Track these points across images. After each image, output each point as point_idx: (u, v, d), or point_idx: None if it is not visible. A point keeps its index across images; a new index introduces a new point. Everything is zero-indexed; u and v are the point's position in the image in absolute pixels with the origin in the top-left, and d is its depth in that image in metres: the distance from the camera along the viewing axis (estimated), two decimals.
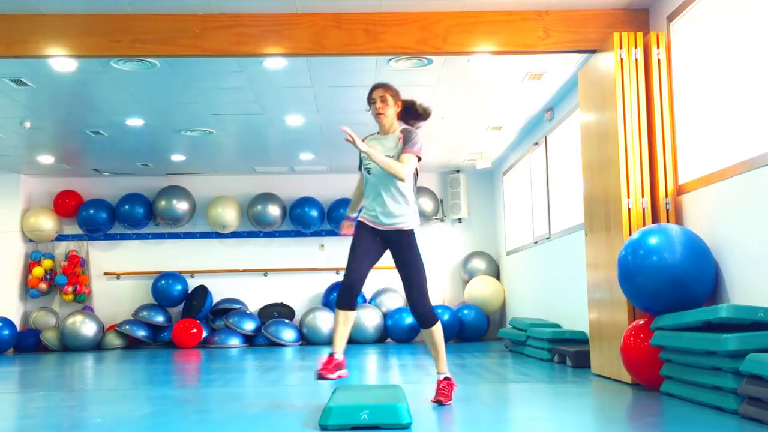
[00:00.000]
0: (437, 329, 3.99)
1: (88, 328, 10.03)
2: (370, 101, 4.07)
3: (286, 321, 10.38)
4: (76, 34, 5.31)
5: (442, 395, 3.92)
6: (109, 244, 11.06)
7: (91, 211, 10.73)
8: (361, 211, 4.19)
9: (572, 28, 5.32)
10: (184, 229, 11.13)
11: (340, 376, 3.93)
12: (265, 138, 8.90)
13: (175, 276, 10.66)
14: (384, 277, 10.33)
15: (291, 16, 5.31)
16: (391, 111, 4.05)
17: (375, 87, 4.09)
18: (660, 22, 5.06)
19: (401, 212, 4.01)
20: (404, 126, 4.13)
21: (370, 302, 10.59)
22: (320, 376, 3.82)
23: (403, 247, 4.01)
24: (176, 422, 3.62)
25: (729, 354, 3.44)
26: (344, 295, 3.96)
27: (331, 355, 3.93)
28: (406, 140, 4.02)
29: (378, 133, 4.16)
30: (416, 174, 4.12)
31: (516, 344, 7.88)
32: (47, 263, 10.68)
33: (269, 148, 9.45)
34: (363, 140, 4.04)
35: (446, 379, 3.99)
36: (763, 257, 3.79)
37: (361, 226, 4.08)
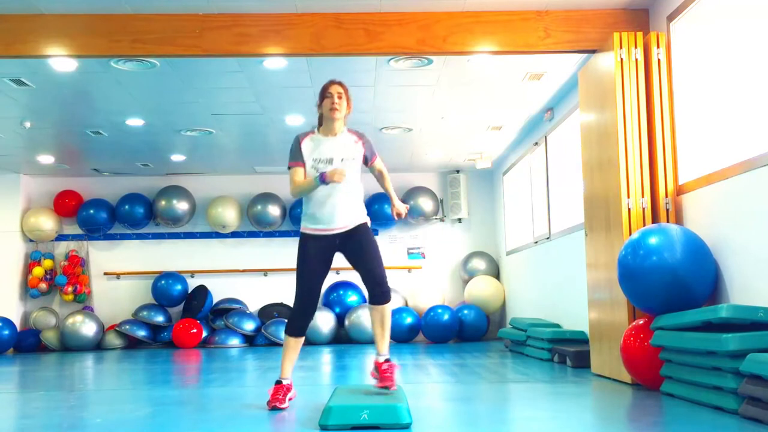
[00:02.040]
0: (391, 307, 3.99)
1: (88, 328, 10.03)
2: (326, 95, 3.98)
3: (286, 321, 10.36)
4: (76, 34, 5.31)
5: (387, 380, 3.79)
6: (109, 244, 11.06)
7: (91, 211, 10.74)
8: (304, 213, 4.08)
9: (572, 28, 5.32)
10: (184, 229, 11.13)
11: (290, 399, 3.96)
12: (265, 138, 8.90)
13: (175, 276, 10.67)
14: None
15: (291, 16, 5.31)
16: (344, 112, 4.00)
17: (333, 82, 4.02)
18: (660, 22, 5.06)
19: (360, 208, 4.02)
20: (352, 129, 4.11)
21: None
22: (274, 408, 3.82)
23: (362, 236, 3.95)
24: (176, 422, 3.62)
25: (729, 354, 3.44)
26: (299, 321, 3.95)
27: (279, 382, 3.93)
28: (370, 147, 4.11)
29: (318, 131, 4.06)
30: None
31: (516, 344, 7.88)
32: (47, 263, 10.69)
33: (269, 148, 9.45)
34: (303, 138, 4.05)
35: (387, 360, 3.89)
36: (763, 257, 3.79)
37: (306, 241, 3.97)
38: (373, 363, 3.93)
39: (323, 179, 3.83)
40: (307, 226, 3.99)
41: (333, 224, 3.93)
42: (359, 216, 4.01)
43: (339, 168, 3.88)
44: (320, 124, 4.08)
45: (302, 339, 4.01)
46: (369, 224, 4.06)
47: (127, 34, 5.30)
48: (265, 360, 7.56)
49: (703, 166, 4.46)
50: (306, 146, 4.02)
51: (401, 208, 4.21)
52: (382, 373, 3.84)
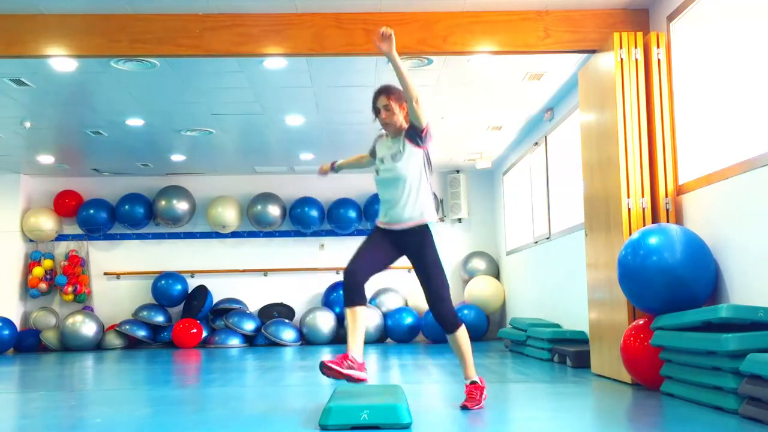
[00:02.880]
0: (461, 334, 3.80)
1: (88, 328, 10.03)
2: (376, 110, 3.90)
3: (286, 321, 10.38)
4: (76, 34, 5.31)
5: (469, 400, 3.78)
6: (109, 244, 11.06)
7: (91, 211, 10.74)
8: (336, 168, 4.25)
9: (572, 28, 5.32)
10: (184, 229, 11.13)
11: (350, 376, 3.53)
12: (265, 138, 8.90)
13: (175, 276, 10.67)
14: (384, 277, 10.35)
15: (291, 16, 5.31)
16: (397, 116, 3.85)
17: (377, 94, 3.88)
18: (660, 22, 5.06)
19: (415, 208, 3.78)
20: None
21: (370, 302, 10.59)
22: (325, 367, 3.49)
23: (419, 246, 3.79)
24: (176, 422, 3.62)
25: (729, 354, 3.44)
26: (345, 289, 3.76)
27: (345, 353, 3.64)
28: (412, 126, 3.86)
29: (386, 135, 3.98)
30: (429, 164, 3.89)
31: (516, 344, 7.88)
32: (47, 263, 10.69)
33: (269, 148, 9.45)
34: (377, 139, 4.01)
35: (473, 383, 3.81)
36: (763, 257, 3.79)
37: (375, 230, 3.94)
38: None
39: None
40: (378, 220, 3.94)
41: (391, 222, 3.84)
42: (416, 215, 3.79)
43: (327, 166, 4.15)
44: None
45: (359, 309, 3.71)
46: (431, 226, 3.82)
47: (127, 34, 5.29)
48: (265, 360, 7.56)
49: (703, 166, 4.46)
50: (378, 142, 4.02)
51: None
52: (468, 395, 3.80)
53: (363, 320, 3.75)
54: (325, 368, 3.50)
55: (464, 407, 3.77)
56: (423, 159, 3.84)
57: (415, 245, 3.81)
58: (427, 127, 3.80)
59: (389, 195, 3.85)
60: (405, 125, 3.87)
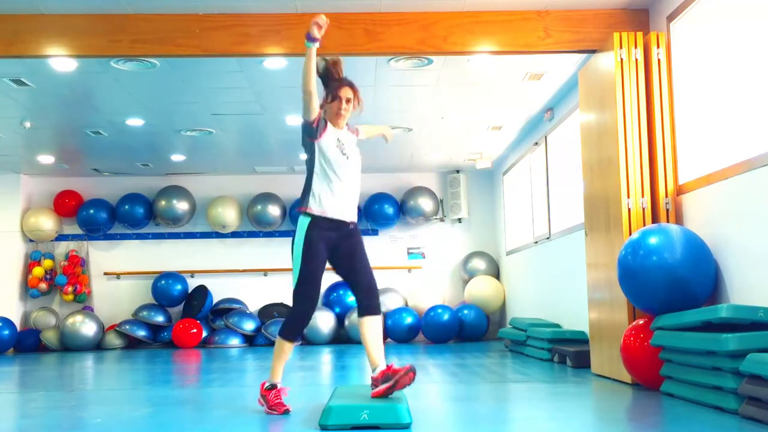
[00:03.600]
0: (381, 317, 3.80)
1: (88, 328, 10.03)
2: (336, 96, 3.79)
3: (285, 323, 10.34)
4: (76, 34, 5.31)
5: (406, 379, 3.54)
6: (109, 244, 11.06)
7: (91, 211, 10.73)
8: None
9: (572, 28, 5.32)
10: (184, 229, 11.13)
11: (286, 410, 3.71)
12: (265, 138, 8.90)
13: (175, 276, 10.67)
14: (384, 277, 10.35)
15: (291, 16, 5.31)
16: (349, 117, 3.88)
17: (344, 84, 3.82)
18: (660, 22, 5.06)
19: (357, 204, 3.88)
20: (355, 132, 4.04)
21: None
22: (286, 412, 3.68)
23: (356, 239, 3.82)
24: (176, 422, 3.62)
25: (729, 354, 3.44)
26: (300, 327, 3.75)
27: (274, 386, 3.75)
28: (353, 127, 4.01)
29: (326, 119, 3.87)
30: None
31: (516, 344, 7.88)
32: (47, 263, 10.69)
33: (269, 148, 9.45)
34: (324, 118, 3.81)
35: (388, 366, 3.60)
36: (763, 257, 3.79)
37: (317, 231, 3.69)
38: (379, 374, 3.56)
39: (310, 38, 3.68)
40: (314, 207, 3.70)
41: (343, 217, 3.74)
42: (356, 213, 3.87)
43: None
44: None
45: (297, 343, 3.82)
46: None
47: (127, 34, 5.30)
48: (265, 360, 7.56)
49: (703, 166, 4.46)
50: (327, 123, 3.84)
51: (388, 133, 4.25)
52: (396, 372, 3.52)
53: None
54: (281, 412, 3.66)
55: (390, 389, 3.51)
56: None
57: (353, 239, 3.81)
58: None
59: (350, 184, 3.79)
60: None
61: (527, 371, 5.85)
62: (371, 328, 3.72)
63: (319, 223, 3.71)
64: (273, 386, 3.77)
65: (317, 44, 3.69)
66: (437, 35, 5.33)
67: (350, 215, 3.80)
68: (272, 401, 3.73)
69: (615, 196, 4.89)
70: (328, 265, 3.82)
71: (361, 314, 3.75)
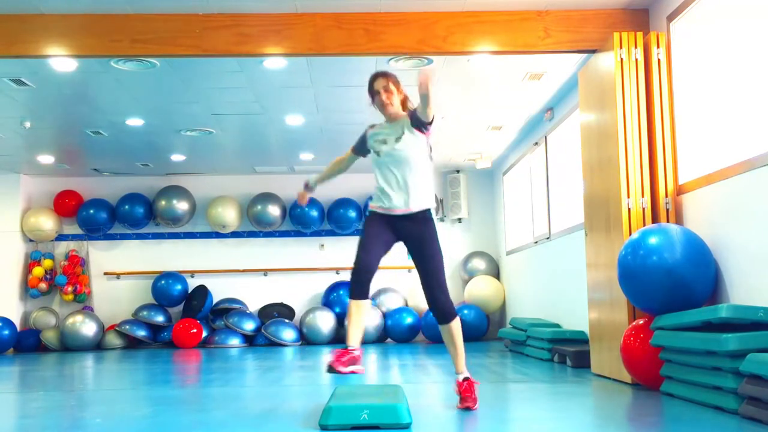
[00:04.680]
0: (455, 325, 3.76)
1: (88, 328, 10.03)
2: (373, 93, 3.86)
3: (286, 321, 10.38)
4: (76, 34, 5.31)
5: (468, 400, 3.71)
6: (109, 244, 11.06)
7: (91, 211, 10.73)
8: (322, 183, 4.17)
9: (572, 28, 5.32)
10: (184, 229, 11.13)
11: (354, 371, 3.58)
12: (265, 138, 8.90)
13: (175, 276, 10.67)
14: (384, 277, 10.35)
15: (291, 16, 5.31)
16: (396, 99, 3.85)
17: (375, 77, 3.87)
18: (660, 22, 5.06)
19: (418, 193, 3.76)
20: (408, 111, 3.94)
21: (371, 302, 10.58)
22: (331, 369, 3.52)
23: (421, 233, 3.75)
24: (176, 422, 3.62)
25: (729, 354, 3.44)
26: (354, 282, 3.72)
27: (346, 348, 3.64)
28: (415, 110, 3.81)
29: (381, 122, 3.96)
30: (431, 153, 3.89)
31: (516, 344, 7.88)
32: (47, 263, 10.69)
33: (269, 148, 9.45)
34: (371, 127, 3.95)
35: (466, 379, 3.76)
36: (763, 257, 3.79)
37: (371, 216, 3.84)
38: (454, 383, 3.81)
39: (306, 186, 4.24)
40: (372, 204, 3.88)
41: (391, 207, 3.77)
42: (419, 200, 3.77)
43: (304, 192, 4.27)
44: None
45: (364, 303, 3.74)
46: (433, 213, 3.82)
47: (127, 34, 5.29)
48: (265, 360, 7.56)
49: (703, 166, 4.46)
50: (370, 131, 3.95)
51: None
52: (462, 393, 3.73)
53: (366, 314, 3.79)
54: (329, 370, 3.55)
55: (467, 408, 3.70)
56: (427, 145, 3.83)
57: (417, 232, 3.77)
58: (434, 117, 3.76)
59: (392, 177, 3.78)
60: (401, 112, 3.87)
61: (527, 371, 5.85)
62: (444, 336, 3.84)
63: (374, 213, 3.86)
64: (345, 347, 3.68)
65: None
66: (437, 35, 5.33)
67: (400, 206, 3.77)
68: (336, 356, 3.60)
69: (615, 196, 4.89)
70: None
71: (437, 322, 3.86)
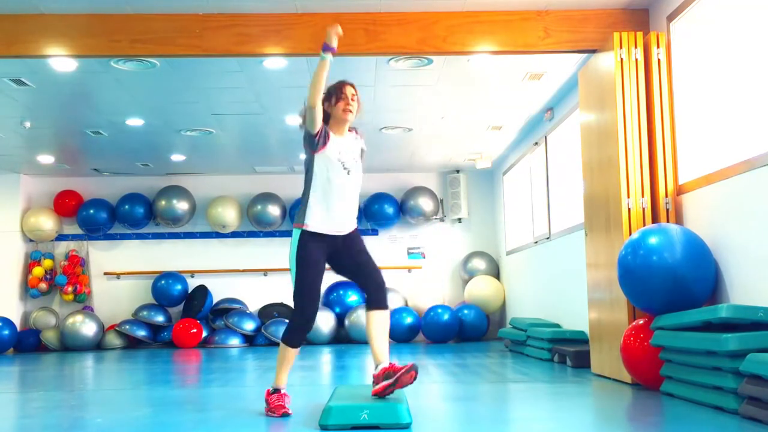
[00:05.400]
0: (389, 313, 3.79)
1: (88, 328, 10.03)
2: (340, 96, 3.74)
3: (286, 321, 10.34)
4: (76, 34, 5.31)
5: (408, 378, 3.51)
6: (109, 244, 11.06)
7: (91, 211, 10.73)
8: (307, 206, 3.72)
9: (572, 28, 5.32)
10: (184, 229, 11.13)
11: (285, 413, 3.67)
12: (265, 138, 8.90)
13: (175, 276, 10.67)
14: (384, 277, 10.33)
15: (291, 16, 5.31)
16: (356, 114, 3.82)
17: (347, 83, 3.81)
18: (660, 22, 5.06)
19: (356, 212, 3.85)
20: (356, 131, 3.94)
21: None
22: (285, 414, 3.64)
23: (354, 241, 3.79)
24: (176, 422, 3.62)
25: (729, 354, 3.44)
26: (302, 333, 3.70)
27: (278, 391, 3.74)
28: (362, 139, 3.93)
29: (334, 132, 3.78)
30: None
31: (516, 344, 7.88)
32: (47, 263, 10.69)
33: (269, 148, 9.45)
34: (329, 130, 3.75)
35: (391, 364, 3.57)
36: (763, 257, 3.79)
37: (312, 243, 3.67)
38: (381, 371, 3.54)
39: (327, 48, 3.58)
40: (311, 225, 3.67)
41: (341, 228, 3.74)
42: (355, 221, 3.86)
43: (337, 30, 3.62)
44: (326, 121, 3.80)
45: (299, 348, 3.78)
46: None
47: (127, 34, 5.29)
48: (264, 360, 7.56)
49: (703, 166, 4.46)
50: (333, 134, 3.77)
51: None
52: (397, 370, 3.51)
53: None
54: (280, 415, 3.63)
55: (386, 389, 3.48)
56: None
57: (351, 241, 3.79)
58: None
59: (350, 199, 3.76)
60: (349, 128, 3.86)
61: (527, 371, 5.85)
62: (377, 323, 3.70)
63: (314, 236, 3.70)
64: (276, 390, 3.75)
65: (331, 56, 3.61)
66: (437, 35, 5.33)
67: (348, 228, 3.78)
68: (273, 403, 3.71)
69: (615, 196, 4.89)
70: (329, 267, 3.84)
71: (369, 308, 3.74)
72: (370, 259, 3.83)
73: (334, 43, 3.61)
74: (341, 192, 3.71)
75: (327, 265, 3.80)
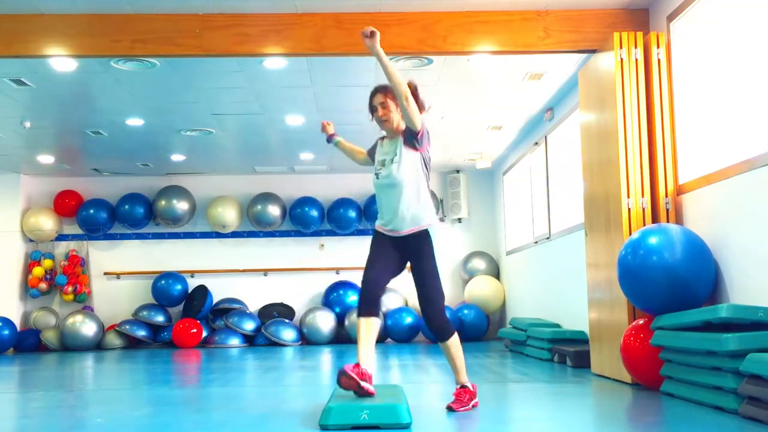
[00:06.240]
0: (454, 342, 3.75)
1: (88, 328, 10.03)
2: (372, 109, 3.86)
3: (286, 321, 10.38)
4: (76, 34, 5.31)
5: (456, 402, 3.73)
6: (109, 244, 11.06)
7: (91, 211, 10.74)
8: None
9: (572, 27, 5.32)
10: (184, 229, 11.13)
11: (364, 390, 3.46)
12: (265, 138, 8.90)
13: (175, 276, 10.67)
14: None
15: (291, 16, 5.31)
16: (394, 114, 3.80)
17: (374, 92, 3.86)
18: (660, 22, 5.06)
19: (415, 213, 3.73)
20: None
21: None
22: (344, 375, 3.45)
23: (418, 251, 3.75)
24: (176, 422, 3.62)
25: (729, 354, 3.44)
26: (361, 299, 3.72)
27: (357, 363, 3.57)
28: (408, 129, 3.78)
29: (385, 138, 3.94)
30: (428, 167, 3.82)
31: (516, 344, 7.88)
32: (47, 263, 10.69)
33: (269, 148, 9.45)
34: (375, 144, 3.96)
35: (463, 387, 3.77)
36: (763, 257, 3.79)
37: (375, 235, 3.88)
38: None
39: (328, 140, 4.18)
40: (377, 224, 3.88)
41: (393, 230, 3.78)
42: (417, 221, 3.74)
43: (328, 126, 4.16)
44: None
45: (373, 320, 3.67)
46: (431, 231, 3.76)
47: (127, 34, 5.30)
48: (265, 360, 7.56)
49: (703, 166, 4.46)
50: (380, 144, 3.94)
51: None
52: (455, 397, 3.76)
53: (376, 331, 3.70)
54: (343, 377, 3.45)
55: (449, 408, 3.72)
56: (420, 162, 3.77)
57: (415, 249, 3.76)
58: (422, 129, 3.73)
59: (388, 201, 3.79)
60: (402, 126, 3.79)
61: (527, 371, 5.85)
62: (444, 354, 3.82)
63: (377, 232, 3.88)
64: (357, 363, 3.58)
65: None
66: (437, 35, 5.33)
67: (399, 227, 3.77)
68: (352, 369, 3.50)
69: (615, 196, 4.89)
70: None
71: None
72: (424, 283, 3.77)
73: (330, 131, 4.27)
74: (380, 194, 3.83)
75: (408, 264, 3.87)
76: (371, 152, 4.04)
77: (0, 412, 4.37)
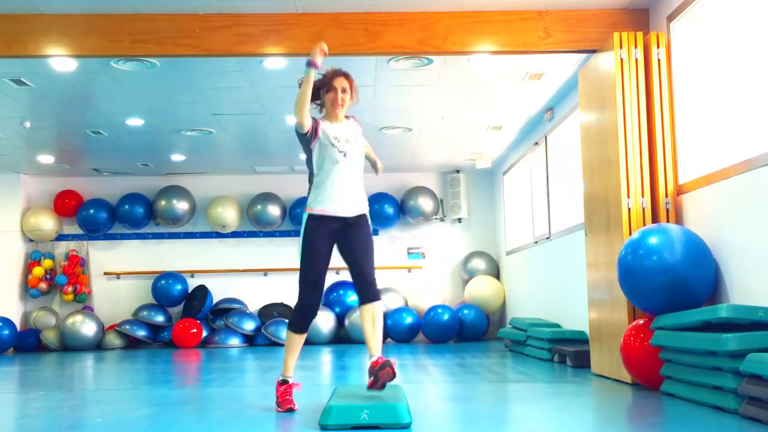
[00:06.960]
0: (382, 305, 3.79)
1: (88, 328, 10.03)
2: (330, 88, 3.81)
3: (286, 321, 10.35)
4: (76, 34, 5.31)
5: (385, 375, 3.50)
6: (109, 244, 11.06)
7: (91, 211, 10.74)
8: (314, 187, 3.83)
9: (572, 27, 5.32)
10: (184, 229, 11.13)
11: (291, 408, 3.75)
12: (265, 138, 8.91)
13: (175, 276, 10.67)
14: (384, 277, 10.35)
15: (291, 16, 5.31)
16: (347, 106, 3.87)
17: (338, 74, 3.85)
18: (660, 22, 5.06)
19: (363, 196, 3.87)
20: (352, 118, 3.98)
21: None
22: (289, 410, 3.72)
23: (361, 229, 3.79)
24: (176, 422, 3.62)
25: (729, 354, 3.44)
26: (305, 317, 3.76)
27: (285, 382, 3.81)
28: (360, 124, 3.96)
29: (325, 118, 3.89)
30: None
31: (516, 344, 7.88)
32: (47, 263, 10.69)
33: (269, 148, 9.45)
34: (318, 121, 3.83)
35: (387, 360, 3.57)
36: (763, 257, 3.79)
37: (318, 225, 3.73)
38: (371, 364, 3.57)
39: (310, 63, 3.69)
40: (312, 207, 3.77)
41: (344, 210, 3.76)
42: (362, 205, 3.85)
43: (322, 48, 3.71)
44: (321, 109, 3.93)
45: (305, 335, 3.84)
46: (368, 217, 3.89)
47: (127, 34, 5.30)
48: (264, 360, 7.56)
49: (703, 166, 4.46)
50: (323, 123, 3.84)
51: (380, 165, 4.20)
52: (373, 366, 3.55)
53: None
54: (285, 410, 3.68)
55: (380, 384, 3.51)
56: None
57: (358, 229, 3.80)
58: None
59: (348, 178, 3.78)
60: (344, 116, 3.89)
61: (527, 371, 5.85)
62: (367, 316, 3.73)
63: (318, 219, 3.76)
64: (285, 381, 3.81)
65: (317, 71, 3.71)
66: (437, 35, 5.33)
67: (350, 210, 3.79)
68: (280, 397, 3.77)
69: (615, 196, 4.89)
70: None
71: (360, 303, 3.79)
72: (368, 256, 3.80)
73: (317, 60, 3.69)
74: (340, 174, 3.77)
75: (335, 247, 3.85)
76: (314, 121, 3.82)
77: (0, 412, 4.37)
